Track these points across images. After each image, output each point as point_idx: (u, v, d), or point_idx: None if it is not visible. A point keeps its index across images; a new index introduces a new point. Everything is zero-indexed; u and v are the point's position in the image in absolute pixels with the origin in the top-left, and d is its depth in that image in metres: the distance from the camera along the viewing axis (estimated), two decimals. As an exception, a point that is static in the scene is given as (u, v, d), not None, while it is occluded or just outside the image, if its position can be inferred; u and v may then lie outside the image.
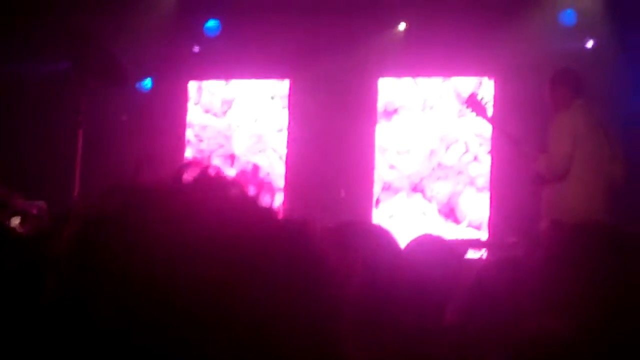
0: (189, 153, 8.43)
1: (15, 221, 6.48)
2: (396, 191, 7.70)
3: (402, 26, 7.58)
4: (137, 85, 8.27)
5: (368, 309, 1.93)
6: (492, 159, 7.31)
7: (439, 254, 2.66)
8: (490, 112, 5.56)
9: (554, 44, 6.86)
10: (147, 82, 8.33)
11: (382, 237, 3.27)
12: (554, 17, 6.93)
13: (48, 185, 7.67)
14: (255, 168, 6.43)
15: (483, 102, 5.39)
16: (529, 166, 5.19)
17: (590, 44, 6.93)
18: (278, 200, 0.83)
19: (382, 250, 2.23)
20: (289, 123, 8.03)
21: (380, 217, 7.72)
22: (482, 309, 2.15)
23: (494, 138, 7.18)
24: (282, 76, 8.09)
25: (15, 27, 7.86)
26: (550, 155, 4.94)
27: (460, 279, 2.53)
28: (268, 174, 8.13)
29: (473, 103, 5.34)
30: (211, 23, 8.03)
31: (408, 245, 2.83)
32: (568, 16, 6.91)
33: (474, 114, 5.44)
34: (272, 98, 8.18)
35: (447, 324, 2.23)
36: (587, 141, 4.90)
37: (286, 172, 8.00)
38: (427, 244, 2.78)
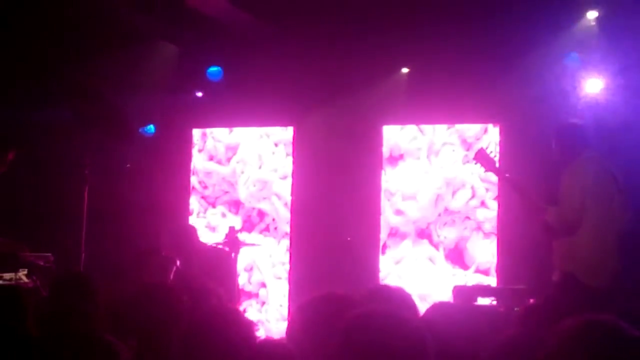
0: (193, 199, 8.46)
1: (23, 272, 6.50)
2: (403, 237, 7.67)
3: (404, 72, 7.61)
4: (140, 132, 8.32)
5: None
6: (499, 204, 7.30)
7: (461, 322, 2.68)
8: (497, 164, 5.57)
9: (559, 88, 6.89)
10: (150, 128, 8.37)
11: (405, 300, 3.29)
12: (559, 61, 6.96)
13: (55, 238, 7.67)
14: None
15: (491, 156, 5.40)
16: (536, 217, 5.18)
17: (595, 87, 6.95)
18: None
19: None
20: (294, 169, 8.04)
21: (386, 263, 7.71)
22: None
23: (501, 185, 7.19)
24: (286, 123, 8.11)
25: (17, 75, 7.91)
26: (561, 209, 4.93)
27: (483, 337, 2.55)
28: (273, 219, 8.14)
29: (481, 158, 5.35)
30: (214, 69, 8.09)
31: (430, 311, 2.84)
32: (572, 60, 6.94)
33: (482, 169, 5.44)
34: (276, 145, 8.22)
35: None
36: (598, 192, 4.89)
37: (291, 219, 8.01)
38: (448, 311, 2.79)
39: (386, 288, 4.82)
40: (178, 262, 6.47)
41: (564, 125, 5.17)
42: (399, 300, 3.32)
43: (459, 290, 6.08)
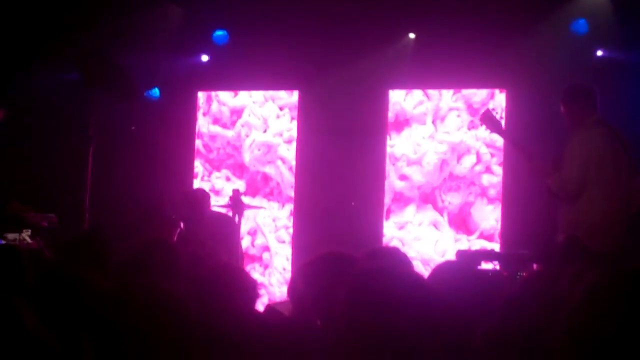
0: (198, 163, 8.52)
1: (27, 233, 6.60)
2: (407, 201, 7.74)
3: (411, 37, 7.62)
4: (145, 95, 8.35)
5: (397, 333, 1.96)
6: (504, 170, 7.35)
7: (464, 283, 2.72)
8: (503, 126, 5.61)
9: (567, 54, 6.89)
10: (155, 92, 8.40)
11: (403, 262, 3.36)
12: (566, 27, 6.98)
13: (59, 199, 7.75)
14: None
15: (497, 118, 5.44)
16: (542, 181, 5.24)
17: (600, 53, 6.99)
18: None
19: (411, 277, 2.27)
20: (298, 134, 8.07)
21: (390, 228, 7.79)
22: (513, 329, 2.22)
23: (506, 150, 7.24)
24: (291, 87, 8.13)
25: (26, 38, 7.94)
26: (562, 176, 4.98)
27: (486, 299, 2.59)
28: (277, 183, 8.22)
29: (487, 119, 5.39)
30: (219, 33, 8.11)
31: (432, 273, 2.88)
32: (580, 25, 6.96)
33: (488, 130, 5.49)
34: (282, 109, 8.25)
35: (478, 345, 2.30)
36: (604, 159, 4.90)
37: (296, 183, 8.08)
38: (451, 272, 2.83)
39: (383, 248, 4.92)
40: (182, 225, 6.56)
41: (571, 89, 5.20)
42: (396, 258, 3.40)
43: (462, 255, 6.15)
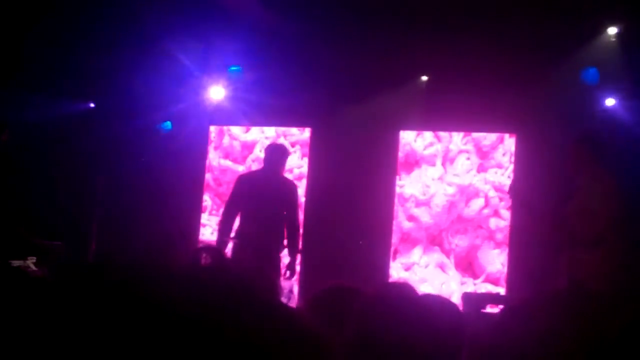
0: (207, 196, 8.70)
1: (31, 260, 6.70)
2: (414, 243, 7.93)
3: (423, 79, 7.84)
4: (157, 127, 8.56)
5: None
6: (512, 214, 7.52)
7: (449, 309, 2.81)
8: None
9: (577, 102, 7.06)
10: (167, 124, 8.61)
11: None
12: (577, 74, 7.12)
13: (66, 228, 7.90)
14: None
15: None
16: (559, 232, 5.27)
17: (612, 102, 7.13)
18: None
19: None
20: (309, 171, 8.26)
21: (397, 268, 7.94)
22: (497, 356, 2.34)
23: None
24: (303, 124, 8.37)
25: (39, 66, 8.15)
26: (580, 224, 5.05)
27: (472, 328, 2.70)
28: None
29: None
30: (234, 68, 8.30)
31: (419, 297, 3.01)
32: (591, 75, 7.12)
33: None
34: (293, 145, 8.47)
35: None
36: (613, 208, 5.01)
37: (305, 220, 8.21)
38: (437, 300, 2.92)
39: (392, 283, 5.06)
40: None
41: (579, 139, 5.27)
42: (405, 291, 3.57)
43: (468, 298, 6.27)
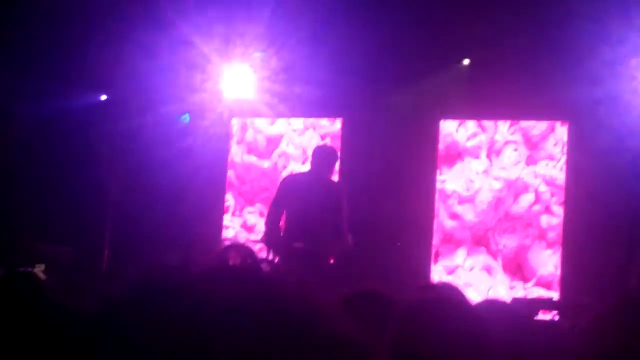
0: (229, 196, 8.84)
1: (39, 268, 6.85)
2: (458, 244, 8.02)
3: (466, 62, 7.92)
4: (175, 121, 8.73)
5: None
6: (565, 210, 7.59)
7: (506, 320, 2.78)
8: None
9: (635, 86, 7.15)
10: (186, 117, 8.77)
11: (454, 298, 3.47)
12: (632, 60, 7.18)
13: (77, 232, 8.09)
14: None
15: None
16: None
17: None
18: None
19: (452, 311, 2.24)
20: (341, 166, 8.13)
21: (438, 272, 8.04)
22: None
23: (568, 188, 7.47)
24: (334, 114, 8.48)
25: (52, 61, 8.33)
26: None
27: (528, 344, 2.68)
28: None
29: None
30: (258, 54, 8.37)
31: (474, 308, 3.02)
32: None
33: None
34: (323, 138, 8.58)
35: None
36: None
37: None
38: (494, 310, 2.89)
39: (436, 284, 5.09)
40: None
41: None
42: (450, 293, 3.66)
43: (517, 303, 6.36)
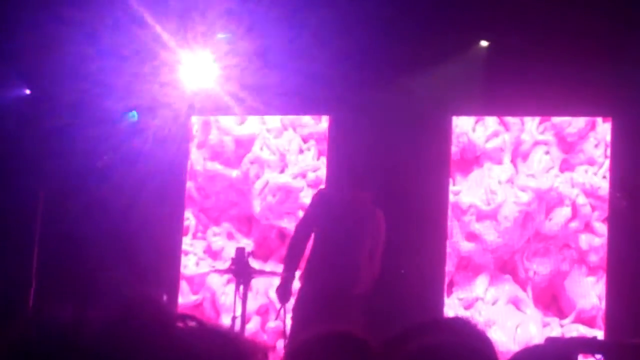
0: (189, 213, 8.76)
1: None
2: (477, 271, 8.00)
3: (483, 45, 7.87)
4: (119, 120, 8.64)
5: None
6: (610, 227, 7.51)
7: None
8: None
9: None
10: (133, 115, 8.69)
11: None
12: None
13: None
14: None
15: None
16: None
17: None
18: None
19: None
20: (328, 175, 8.24)
21: (453, 305, 8.00)
22: None
23: (613, 200, 7.42)
24: (319, 111, 8.45)
25: None
26: None
27: None
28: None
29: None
30: (223, 37, 8.32)
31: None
32: None
33: None
34: (306, 141, 8.59)
35: None
36: None
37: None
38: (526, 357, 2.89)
39: (446, 320, 5.06)
40: None
41: None
42: (466, 335, 3.60)
43: (553, 344, 6.30)
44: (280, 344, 8.34)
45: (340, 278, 6.53)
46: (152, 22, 8.05)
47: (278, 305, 6.89)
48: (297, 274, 6.71)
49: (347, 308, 6.36)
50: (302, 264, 6.75)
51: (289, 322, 6.74)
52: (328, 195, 7.10)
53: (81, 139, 8.38)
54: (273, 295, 8.34)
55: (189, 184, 8.77)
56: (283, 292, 6.59)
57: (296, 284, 6.67)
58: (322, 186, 8.22)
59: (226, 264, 7.42)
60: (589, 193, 7.80)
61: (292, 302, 6.68)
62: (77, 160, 8.38)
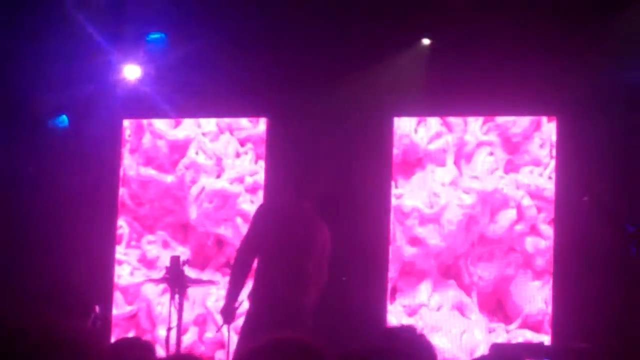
0: (122, 221, 8.60)
1: None
2: (420, 276, 7.89)
3: (425, 43, 7.84)
4: (49, 125, 8.50)
5: None
6: (556, 230, 7.53)
7: None
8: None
9: (625, 75, 7.17)
10: (63, 120, 8.56)
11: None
12: (623, 44, 7.21)
13: None
14: None
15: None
16: None
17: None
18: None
19: None
20: (266, 179, 8.22)
21: (397, 312, 7.89)
22: None
23: (559, 202, 7.38)
24: (256, 113, 8.33)
25: None
26: None
27: None
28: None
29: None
30: (155, 36, 8.27)
31: None
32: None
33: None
34: (243, 144, 8.43)
35: None
36: None
37: (262, 249, 8.18)
38: None
39: (396, 329, 5.04)
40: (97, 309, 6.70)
41: None
42: (414, 345, 3.53)
43: (499, 350, 6.29)
44: (220, 354, 8.26)
45: (290, 292, 6.53)
46: (82, 22, 7.96)
47: (220, 323, 6.84)
48: (244, 292, 6.64)
49: (298, 322, 6.36)
50: (248, 281, 6.67)
51: (231, 334, 6.71)
52: (270, 209, 7.06)
53: (9, 144, 8.26)
54: (210, 305, 8.26)
55: (122, 191, 8.64)
56: (227, 312, 6.55)
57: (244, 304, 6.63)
58: (261, 201, 8.12)
59: (161, 273, 7.31)
60: (535, 194, 7.74)
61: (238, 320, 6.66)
62: (5, 166, 8.26)
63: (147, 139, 8.65)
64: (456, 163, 7.93)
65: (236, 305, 6.56)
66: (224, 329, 6.76)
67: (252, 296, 6.61)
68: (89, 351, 2.89)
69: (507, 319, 7.73)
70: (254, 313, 6.57)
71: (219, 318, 7.09)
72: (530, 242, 7.72)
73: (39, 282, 7.70)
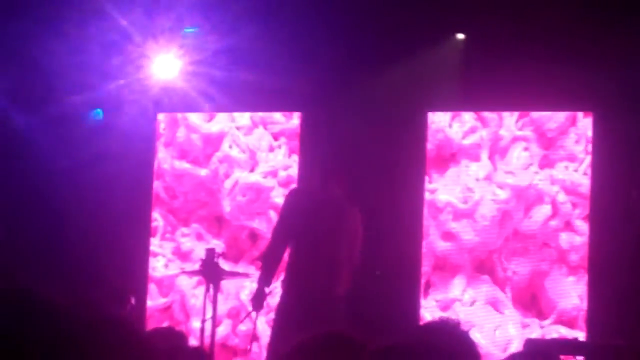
0: (157, 214, 8.67)
1: None
2: (454, 271, 7.91)
3: (459, 38, 7.84)
4: (83, 118, 8.56)
5: None
6: (591, 226, 7.52)
7: None
8: None
9: None
10: (98, 113, 8.63)
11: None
12: None
13: None
14: None
15: None
16: None
17: None
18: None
19: None
20: (300, 173, 8.26)
21: (430, 307, 7.91)
22: None
23: (595, 198, 7.37)
24: (290, 108, 8.39)
25: None
26: None
27: None
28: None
29: None
30: (191, 30, 8.31)
31: None
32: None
33: None
34: (276, 138, 8.48)
35: None
36: None
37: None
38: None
39: (435, 323, 5.03)
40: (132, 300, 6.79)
41: None
42: (454, 340, 3.52)
43: (533, 346, 6.28)
44: (254, 347, 8.27)
45: (323, 279, 6.56)
46: (117, 16, 7.99)
47: (250, 309, 6.83)
48: (275, 280, 6.69)
49: (331, 309, 6.40)
50: (280, 269, 6.71)
51: (260, 325, 6.74)
52: (302, 195, 7.08)
53: (46, 138, 8.32)
54: (244, 297, 8.29)
55: (157, 184, 8.71)
56: (258, 299, 6.58)
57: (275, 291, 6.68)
58: (294, 185, 8.15)
59: (196, 266, 7.35)
60: (570, 190, 7.72)
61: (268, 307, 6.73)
62: (42, 160, 8.32)
63: (181, 133, 8.71)
64: (491, 158, 7.93)
65: (267, 292, 6.58)
66: (252, 315, 6.78)
67: (286, 284, 6.64)
68: (130, 336, 2.96)
69: (541, 315, 7.72)
70: (287, 303, 6.60)
71: (249, 305, 7.10)
72: (564, 238, 7.71)
73: (77, 274, 7.83)
